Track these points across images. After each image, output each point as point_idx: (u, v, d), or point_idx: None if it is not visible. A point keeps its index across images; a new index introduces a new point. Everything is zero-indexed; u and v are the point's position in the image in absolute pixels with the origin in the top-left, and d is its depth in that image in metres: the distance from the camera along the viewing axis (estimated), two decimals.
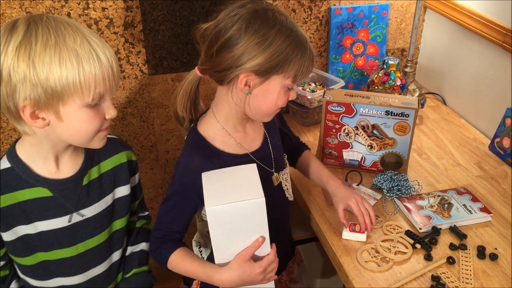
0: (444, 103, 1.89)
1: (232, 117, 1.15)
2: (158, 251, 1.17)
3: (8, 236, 1.06)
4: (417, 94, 1.82)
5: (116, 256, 1.21)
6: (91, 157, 1.12)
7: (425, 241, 1.21)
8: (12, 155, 1.05)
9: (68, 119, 0.96)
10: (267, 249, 1.10)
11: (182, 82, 1.16)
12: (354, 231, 1.24)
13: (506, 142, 1.53)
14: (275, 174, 1.23)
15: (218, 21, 1.07)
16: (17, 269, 1.14)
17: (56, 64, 0.91)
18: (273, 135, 1.25)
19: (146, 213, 1.32)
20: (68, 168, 1.08)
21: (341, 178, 1.47)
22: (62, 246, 1.11)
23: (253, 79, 1.06)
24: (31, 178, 1.05)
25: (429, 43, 1.94)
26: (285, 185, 1.27)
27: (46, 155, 1.05)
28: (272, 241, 1.10)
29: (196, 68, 1.14)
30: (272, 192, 1.17)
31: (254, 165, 1.12)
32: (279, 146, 1.26)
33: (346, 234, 1.25)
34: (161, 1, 1.60)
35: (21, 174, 1.04)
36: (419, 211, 1.30)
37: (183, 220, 1.17)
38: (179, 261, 1.14)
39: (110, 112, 1.00)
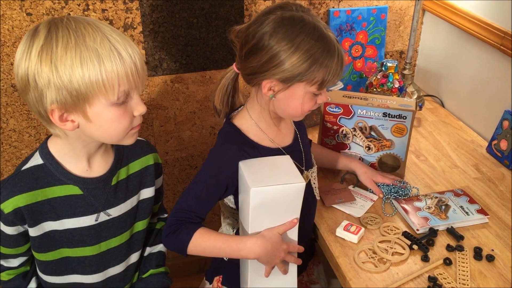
0: (442, 105, 1.89)
1: (265, 115, 1.18)
2: (176, 234, 1.12)
3: (35, 231, 1.07)
4: (415, 96, 1.83)
5: (134, 257, 1.22)
6: (121, 157, 1.14)
7: (422, 242, 1.22)
8: (45, 152, 1.06)
9: (96, 119, 0.97)
10: (294, 235, 1.14)
11: (221, 76, 1.19)
12: (348, 231, 1.25)
13: (503, 144, 1.54)
14: (305, 172, 1.25)
15: (249, 25, 1.09)
16: (36, 266, 1.16)
17: (77, 66, 0.91)
18: (302, 133, 1.28)
19: (165, 215, 1.33)
20: (99, 167, 1.09)
21: (338, 180, 1.48)
22: (86, 244, 1.12)
23: (276, 85, 1.08)
24: (63, 176, 1.06)
25: (427, 46, 1.95)
26: (314, 183, 1.29)
27: (78, 154, 1.06)
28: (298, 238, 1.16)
29: (234, 64, 1.16)
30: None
31: (288, 156, 1.17)
32: (308, 145, 1.30)
33: (340, 232, 1.26)
34: (160, 2, 1.61)
35: (53, 171, 1.05)
36: (416, 213, 1.31)
37: (207, 207, 1.16)
38: (205, 238, 1.11)
39: (139, 109, 0.99)
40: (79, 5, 1.54)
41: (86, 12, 1.56)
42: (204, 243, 1.11)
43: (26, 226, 1.07)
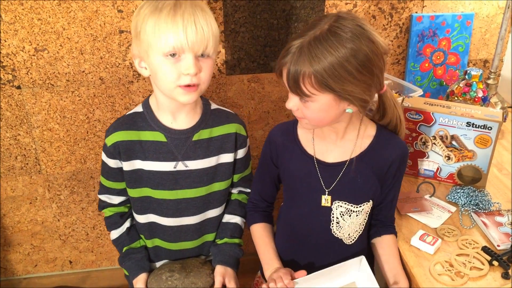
0: None
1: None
2: (247, 220, 1.37)
3: (127, 165, 1.28)
4: (499, 107, 1.75)
5: (211, 213, 1.37)
6: (206, 120, 1.30)
7: (503, 259, 1.16)
8: (145, 103, 1.30)
9: (153, 67, 1.15)
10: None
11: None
12: (424, 241, 1.22)
13: None
14: (325, 196, 1.21)
15: None
16: (131, 205, 1.36)
17: (145, 21, 1.11)
18: (361, 170, 1.18)
19: (248, 190, 1.43)
20: (183, 123, 1.28)
21: (414, 188, 1.44)
22: (165, 188, 1.29)
23: None
24: (153, 123, 1.27)
25: None
26: (337, 218, 1.21)
27: (162, 107, 1.25)
28: None
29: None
30: (314, 210, 1.22)
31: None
32: (359, 183, 1.19)
33: (415, 241, 1.23)
34: (243, 3, 1.64)
35: (147, 118, 1.27)
36: (497, 228, 1.25)
37: (270, 187, 1.33)
38: (254, 235, 1.32)
39: (187, 68, 1.12)
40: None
41: None
42: (254, 238, 1.32)
43: (122, 161, 1.27)
